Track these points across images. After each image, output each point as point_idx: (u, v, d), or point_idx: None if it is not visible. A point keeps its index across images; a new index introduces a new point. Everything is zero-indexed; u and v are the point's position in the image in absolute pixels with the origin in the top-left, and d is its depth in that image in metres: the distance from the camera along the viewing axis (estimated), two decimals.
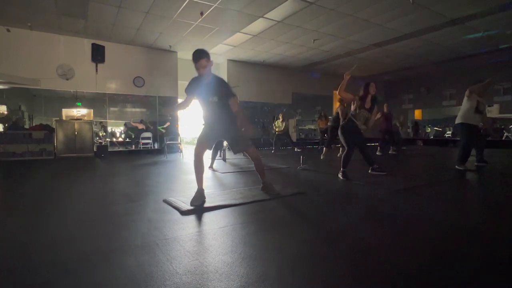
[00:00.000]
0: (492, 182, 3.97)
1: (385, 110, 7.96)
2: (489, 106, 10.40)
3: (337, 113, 6.98)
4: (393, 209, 2.61)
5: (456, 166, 4.73)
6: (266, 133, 11.40)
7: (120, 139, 9.90)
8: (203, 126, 2.90)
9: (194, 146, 2.83)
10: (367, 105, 4.03)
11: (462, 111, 4.75)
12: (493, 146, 9.22)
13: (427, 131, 14.64)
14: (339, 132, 4.20)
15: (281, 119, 9.10)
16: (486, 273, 1.39)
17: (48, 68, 7.81)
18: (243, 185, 3.66)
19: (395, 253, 1.62)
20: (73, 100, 8.38)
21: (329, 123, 7.35)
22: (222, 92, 2.73)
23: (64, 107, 8.05)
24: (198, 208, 2.51)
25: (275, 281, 1.30)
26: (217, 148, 5.71)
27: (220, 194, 3.10)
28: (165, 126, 9.53)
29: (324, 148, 7.08)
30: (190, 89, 2.79)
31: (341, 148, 7.10)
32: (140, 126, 9.50)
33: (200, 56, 2.62)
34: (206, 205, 2.60)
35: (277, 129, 9.20)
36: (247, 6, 6.25)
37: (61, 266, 1.48)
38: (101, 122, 9.20)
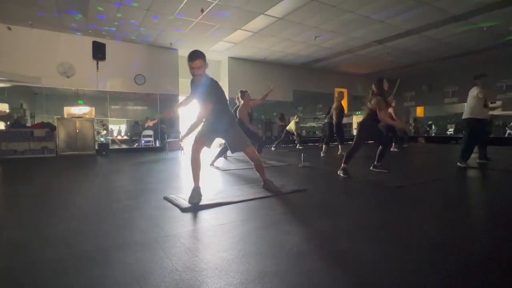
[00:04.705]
0: (494, 180, 3.94)
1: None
2: (491, 103, 10.32)
3: (332, 109, 6.99)
4: (394, 206, 2.60)
5: (458, 164, 4.70)
6: (269, 130, 11.45)
7: (126, 137, 9.93)
8: (203, 124, 2.89)
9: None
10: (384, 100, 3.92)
11: (469, 106, 4.70)
12: (495, 143, 9.17)
13: (428, 129, 14.59)
14: (358, 125, 4.08)
15: (298, 120, 9.39)
16: (486, 270, 1.38)
17: (49, 66, 7.82)
18: (244, 182, 3.66)
19: (395, 251, 1.61)
20: (75, 98, 8.39)
21: (326, 120, 7.36)
22: (216, 96, 2.72)
23: (66, 105, 8.06)
24: (198, 205, 2.51)
25: (275, 278, 1.30)
26: (225, 149, 5.63)
27: (221, 191, 3.10)
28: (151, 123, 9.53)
29: (324, 146, 7.05)
30: (192, 90, 2.84)
31: (340, 146, 7.08)
32: (154, 122, 9.54)
33: (196, 56, 2.61)
34: (207, 202, 2.60)
35: (290, 129, 9.39)
36: (247, 3, 6.22)
37: (61, 263, 1.48)
38: (101, 121, 9.22)
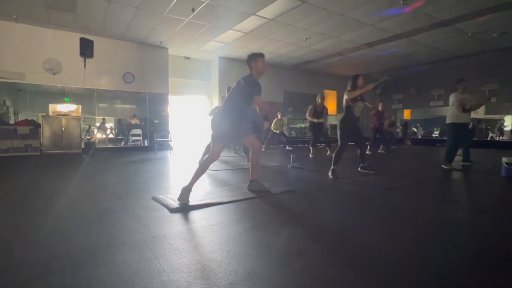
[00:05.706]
0: (477, 181, 4.06)
1: (379, 108, 7.99)
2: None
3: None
4: (381, 207, 2.64)
5: (442, 166, 4.84)
6: (258, 131, 11.45)
7: (111, 136, 9.77)
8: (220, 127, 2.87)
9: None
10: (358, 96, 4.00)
11: (450, 111, 4.86)
12: (478, 146, 9.45)
13: (415, 131, 14.91)
14: (337, 125, 4.12)
15: (280, 118, 9.58)
16: (472, 269, 1.42)
17: (35, 62, 7.60)
18: (233, 183, 3.65)
19: (383, 250, 1.64)
20: (61, 95, 8.19)
21: (308, 123, 7.43)
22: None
23: (51, 103, 7.85)
24: (187, 205, 2.50)
25: (264, 279, 1.30)
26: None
27: (210, 191, 3.09)
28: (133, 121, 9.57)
29: (311, 148, 7.09)
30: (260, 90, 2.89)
31: (327, 148, 7.16)
32: (134, 121, 9.45)
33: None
34: (196, 202, 2.58)
35: (273, 128, 9.55)
36: (239, 3, 6.21)
37: (46, 264, 1.45)
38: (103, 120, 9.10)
